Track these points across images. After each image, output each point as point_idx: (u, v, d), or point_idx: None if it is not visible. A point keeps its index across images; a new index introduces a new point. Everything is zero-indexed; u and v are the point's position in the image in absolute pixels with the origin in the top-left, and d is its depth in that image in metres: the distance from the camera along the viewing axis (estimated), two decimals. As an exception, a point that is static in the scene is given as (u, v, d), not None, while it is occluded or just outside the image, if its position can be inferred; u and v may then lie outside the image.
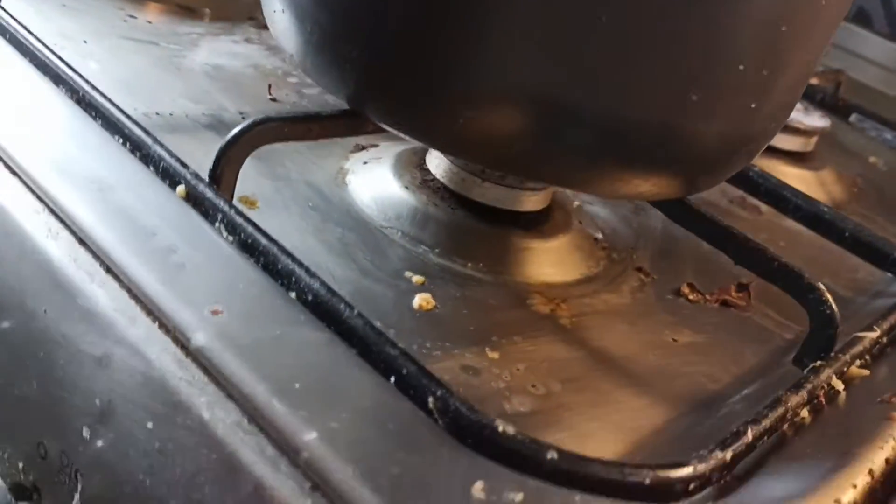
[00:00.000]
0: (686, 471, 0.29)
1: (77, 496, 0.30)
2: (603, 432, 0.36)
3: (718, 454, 0.31)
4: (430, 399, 0.29)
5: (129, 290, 0.31)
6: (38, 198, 0.34)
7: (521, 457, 0.28)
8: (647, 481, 0.29)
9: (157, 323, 0.30)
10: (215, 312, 0.30)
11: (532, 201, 0.47)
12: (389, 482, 0.26)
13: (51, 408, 0.31)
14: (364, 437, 0.27)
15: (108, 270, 0.31)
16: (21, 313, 0.32)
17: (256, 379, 0.28)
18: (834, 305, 0.40)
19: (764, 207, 0.63)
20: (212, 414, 0.28)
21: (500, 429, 0.28)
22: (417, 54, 0.33)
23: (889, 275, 0.56)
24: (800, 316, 0.51)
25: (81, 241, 0.32)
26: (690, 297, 0.49)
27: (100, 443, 0.30)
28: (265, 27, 0.64)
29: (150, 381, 0.29)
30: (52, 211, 0.33)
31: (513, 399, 0.36)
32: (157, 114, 0.47)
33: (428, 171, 0.48)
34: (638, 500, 0.28)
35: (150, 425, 0.28)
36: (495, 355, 0.38)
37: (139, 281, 0.30)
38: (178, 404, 0.28)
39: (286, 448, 0.26)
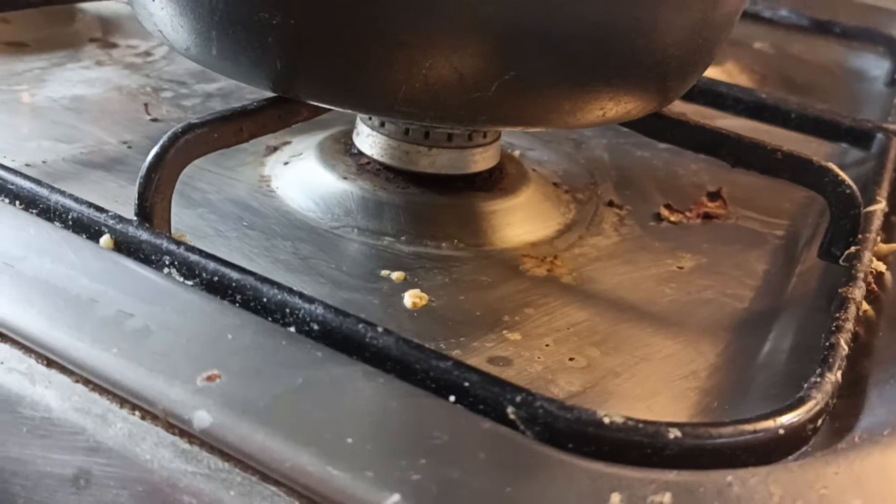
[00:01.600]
0: (810, 406, 0.25)
1: None
2: (665, 388, 0.32)
3: (829, 376, 0.26)
4: (510, 409, 0.23)
5: (87, 382, 0.23)
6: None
7: (641, 447, 0.22)
8: (782, 431, 0.24)
9: (138, 412, 0.23)
10: (211, 378, 0.23)
11: (484, 159, 0.42)
12: (512, 527, 0.20)
13: (21, 559, 0.24)
14: (457, 481, 0.21)
15: (50, 363, 0.24)
16: (-55, 450, 0.24)
17: (295, 447, 0.21)
18: (852, 183, 0.37)
19: (689, 111, 0.60)
20: (250, 508, 0.21)
21: (607, 420, 0.23)
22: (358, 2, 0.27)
23: (842, 146, 0.54)
24: (780, 210, 0.48)
25: (1, 336, 0.25)
26: (672, 218, 0.45)
27: (104, 586, 0.22)
28: (113, 45, 0.56)
29: (154, 490, 0.22)
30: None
31: (559, 380, 0.31)
32: (28, 165, 0.39)
33: (361, 154, 0.42)
34: (779, 457, 0.24)
35: (169, 545, 0.22)
36: (517, 336, 0.33)
37: (97, 365, 0.23)
38: (200, 508, 0.21)
39: (365, 523, 0.20)
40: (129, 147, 0.43)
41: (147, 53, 0.55)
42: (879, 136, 0.49)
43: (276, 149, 0.45)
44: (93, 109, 0.46)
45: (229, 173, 0.42)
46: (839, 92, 0.71)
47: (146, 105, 0.47)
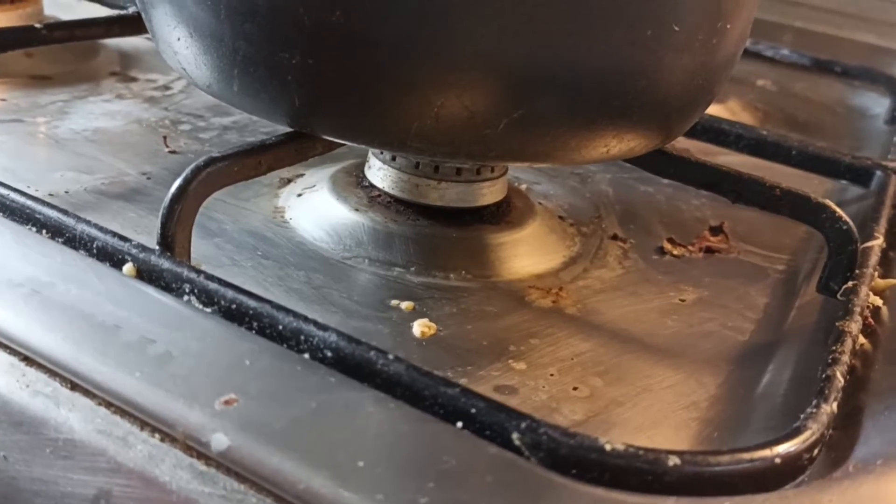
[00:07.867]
0: (807, 436, 0.26)
1: None
2: (667, 418, 0.33)
3: (825, 407, 0.27)
4: (515, 435, 0.24)
5: (109, 405, 0.24)
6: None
7: (641, 473, 0.23)
8: (778, 460, 0.25)
9: (157, 435, 0.24)
10: (229, 402, 0.24)
11: (492, 192, 0.43)
12: (517, 549, 0.21)
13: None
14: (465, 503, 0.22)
15: (74, 387, 0.25)
16: (-28, 469, 0.25)
17: (309, 469, 0.22)
18: (849, 219, 0.38)
19: (692, 148, 0.61)
20: (265, 527, 0.22)
21: (608, 447, 0.23)
22: (375, 41, 0.28)
23: (842, 182, 0.55)
24: (780, 245, 0.49)
25: (28, 360, 0.26)
26: (675, 252, 0.46)
27: None
28: (133, 79, 0.58)
29: (173, 509, 0.23)
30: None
31: (562, 409, 0.32)
32: (51, 195, 0.40)
33: (372, 187, 0.43)
34: (776, 485, 0.24)
35: (187, 563, 0.22)
36: (522, 366, 0.34)
37: (119, 388, 0.24)
38: (216, 527, 0.22)
39: (375, 543, 0.21)
40: (149, 178, 0.44)
41: (165, 87, 0.56)
42: (878, 173, 0.50)
43: (289, 181, 0.46)
44: (113, 141, 0.48)
45: (244, 204, 0.43)
46: (840, 129, 0.72)
47: (165, 137, 0.49)
